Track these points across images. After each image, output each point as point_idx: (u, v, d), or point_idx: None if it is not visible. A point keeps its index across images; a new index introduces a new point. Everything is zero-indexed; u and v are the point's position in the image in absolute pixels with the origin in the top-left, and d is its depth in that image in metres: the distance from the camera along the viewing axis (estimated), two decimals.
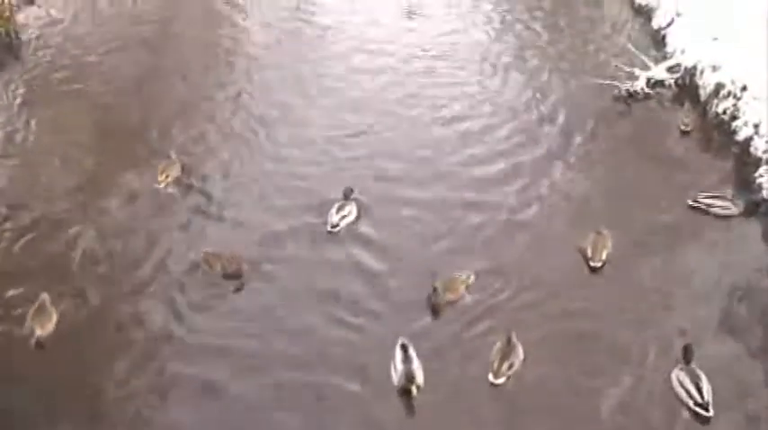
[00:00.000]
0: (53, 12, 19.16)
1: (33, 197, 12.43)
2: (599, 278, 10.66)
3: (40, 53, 17.29)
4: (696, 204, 11.68)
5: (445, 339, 9.66)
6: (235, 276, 10.70)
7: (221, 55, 17.20)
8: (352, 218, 11.58)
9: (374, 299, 10.31)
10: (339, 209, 11.59)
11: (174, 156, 13.15)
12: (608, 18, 18.14)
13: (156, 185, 12.57)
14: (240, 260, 10.83)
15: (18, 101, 15.41)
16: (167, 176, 12.70)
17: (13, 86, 15.95)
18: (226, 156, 13.53)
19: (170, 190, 12.59)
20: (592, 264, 10.72)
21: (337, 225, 11.44)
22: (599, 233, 10.93)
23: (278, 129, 14.19)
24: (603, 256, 10.73)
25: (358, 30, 17.81)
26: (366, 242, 11.33)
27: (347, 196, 11.76)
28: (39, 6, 19.34)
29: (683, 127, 13.79)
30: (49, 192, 12.55)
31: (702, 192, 11.84)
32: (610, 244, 10.84)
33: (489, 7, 18.93)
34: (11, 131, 14.31)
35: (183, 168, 12.99)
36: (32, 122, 14.53)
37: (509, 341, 9.21)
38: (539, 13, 18.51)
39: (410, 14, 18.20)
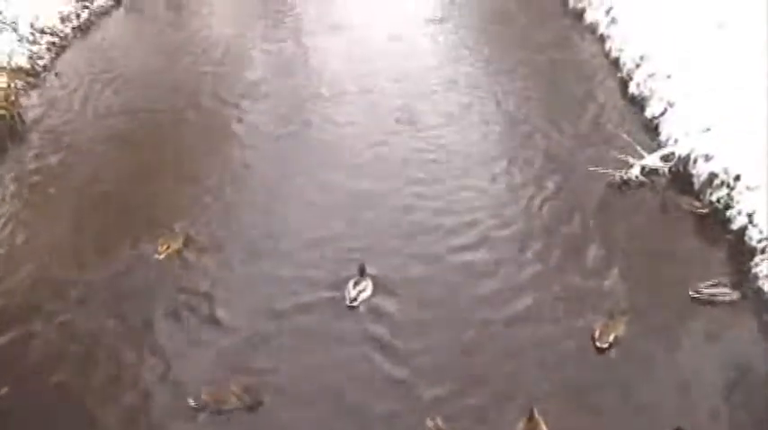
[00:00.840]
0: (58, 96, 19.38)
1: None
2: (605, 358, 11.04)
3: (43, 138, 17.45)
4: (697, 295, 11.96)
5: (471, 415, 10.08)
6: (255, 405, 10.15)
7: (226, 140, 17.39)
8: (368, 293, 11.96)
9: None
10: (355, 284, 11.98)
11: (177, 229, 13.37)
12: (602, 108, 18.49)
13: (156, 256, 12.75)
14: (254, 387, 10.24)
15: (18, 186, 15.55)
16: (168, 247, 12.87)
17: (14, 171, 16.10)
18: (230, 233, 13.85)
19: (169, 260, 12.73)
20: (598, 344, 11.09)
21: (355, 299, 11.80)
22: (610, 317, 11.37)
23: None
24: (611, 338, 11.10)
25: (354, 145, 17.36)
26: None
27: (362, 272, 12.13)
28: (43, 91, 19.60)
29: (695, 210, 14.12)
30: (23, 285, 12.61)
31: (702, 281, 12.11)
32: (620, 328, 11.23)
33: (478, 107, 18.86)
34: (8, 217, 14.43)
35: (185, 241, 13.16)
36: (32, 208, 14.70)
37: (532, 417, 9.44)
38: (532, 107, 18.76)
39: (408, 123, 18.00)
